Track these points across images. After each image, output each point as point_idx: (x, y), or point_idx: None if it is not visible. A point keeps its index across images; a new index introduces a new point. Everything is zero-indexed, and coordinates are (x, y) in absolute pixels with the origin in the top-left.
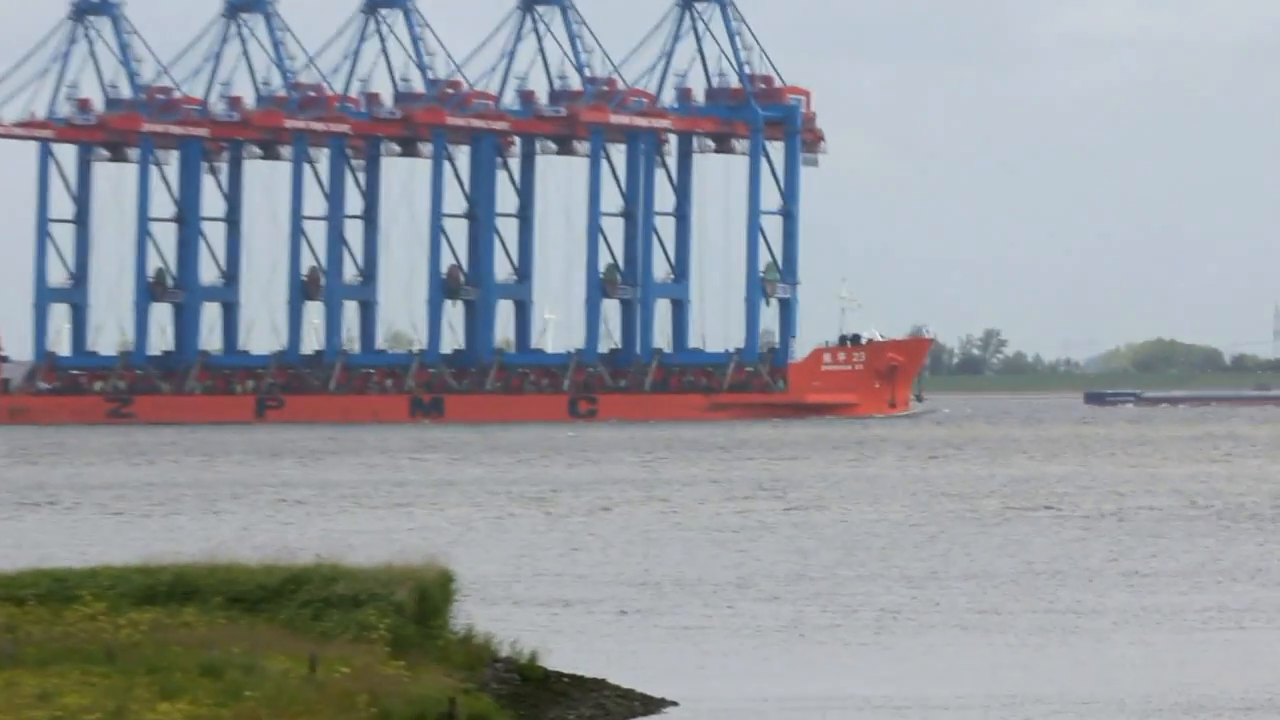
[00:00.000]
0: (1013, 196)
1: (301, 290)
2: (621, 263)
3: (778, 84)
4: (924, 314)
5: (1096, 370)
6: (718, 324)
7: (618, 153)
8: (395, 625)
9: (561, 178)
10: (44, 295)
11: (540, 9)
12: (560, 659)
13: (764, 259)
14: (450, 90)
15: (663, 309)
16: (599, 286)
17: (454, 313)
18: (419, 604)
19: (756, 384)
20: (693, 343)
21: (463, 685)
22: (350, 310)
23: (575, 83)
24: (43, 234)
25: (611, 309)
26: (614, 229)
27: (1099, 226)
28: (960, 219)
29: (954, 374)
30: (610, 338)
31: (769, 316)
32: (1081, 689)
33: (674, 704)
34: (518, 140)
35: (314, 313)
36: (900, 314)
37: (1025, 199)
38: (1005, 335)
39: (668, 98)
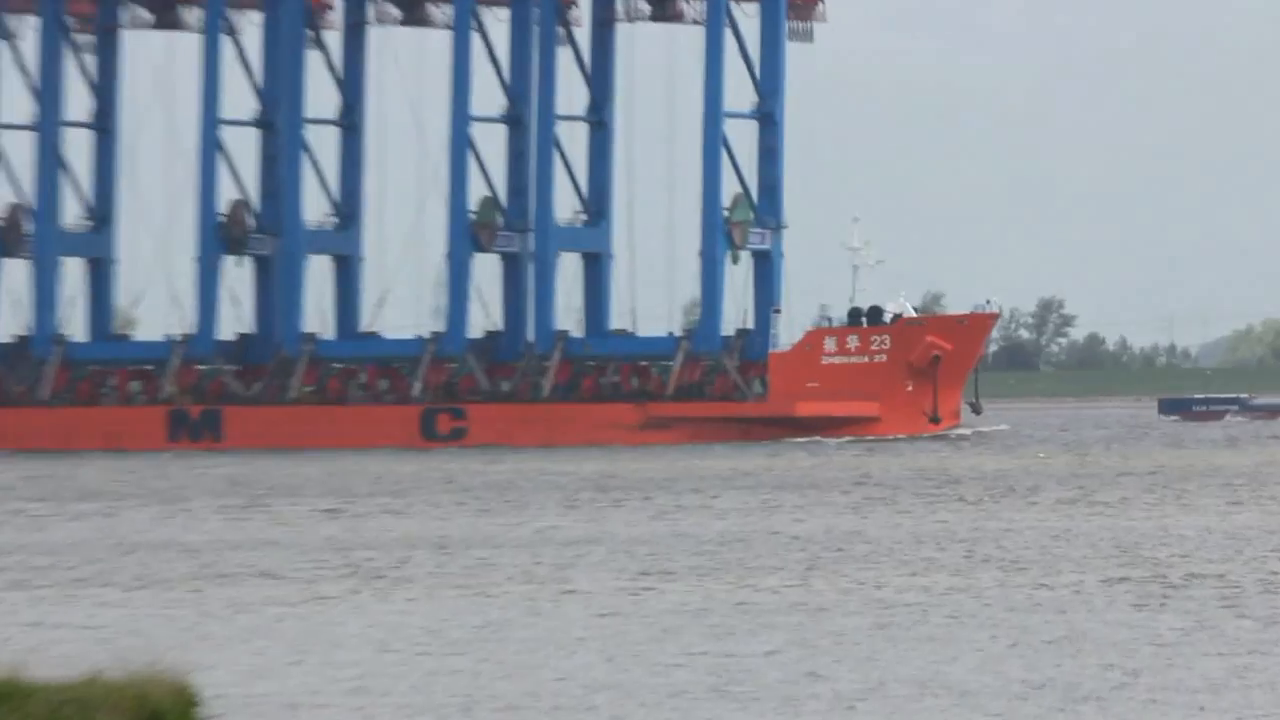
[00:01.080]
0: (1096, 101)
1: None
2: (503, 196)
3: None
4: (965, 276)
5: (1217, 361)
6: (657, 293)
7: (496, 23)
8: None
9: (409, 63)
10: None
11: None
12: None
13: (729, 190)
14: None
15: (569, 269)
16: (467, 234)
17: (237, 277)
18: None
19: (718, 387)
20: (617, 322)
21: None
22: (74, 271)
23: None
24: None
25: (487, 269)
26: (492, 142)
27: (1220, 148)
28: (1016, 131)
29: (993, 367)
30: (486, 315)
31: (737, 280)
32: None
33: None
34: (339, 4)
35: (14, 275)
36: (937, 273)
37: (1111, 105)
38: (1072, 309)
39: None
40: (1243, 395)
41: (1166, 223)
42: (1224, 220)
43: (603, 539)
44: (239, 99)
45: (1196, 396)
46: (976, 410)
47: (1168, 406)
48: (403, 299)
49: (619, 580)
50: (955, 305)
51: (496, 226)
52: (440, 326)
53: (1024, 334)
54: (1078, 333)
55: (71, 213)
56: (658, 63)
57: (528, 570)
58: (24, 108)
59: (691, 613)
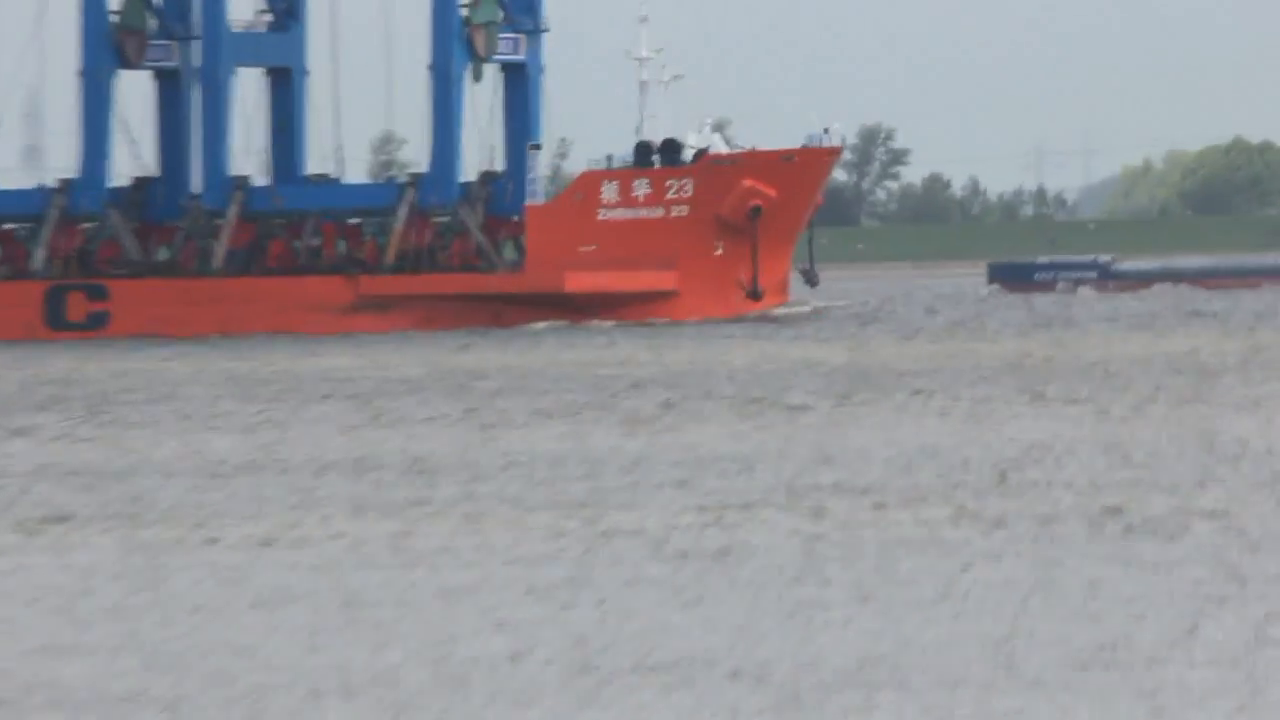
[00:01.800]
0: None
1: None
2: None
3: None
4: (767, 97)
5: (1104, 210)
6: (367, 117)
7: None
8: None
9: None
10: None
11: None
12: None
13: None
14: None
15: (249, 91)
16: (106, 42)
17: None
18: None
19: (456, 254)
20: (317, 166)
21: None
22: None
23: None
24: None
25: (135, 91)
26: None
27: None
28: None
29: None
30: (135, 156)
31: (480, 105)
32: None
33: None
34: None
35: None
36: (735, 95)
37: None
38: (905, 141)
39: None
40: (1102, 257)
41: (1032, 26)
42: (1107, 26)
43: None
44: None
45: (1039, 261)
46: (811, 281)
47: (1000, 273)
48: (12, 134)
49: None
50: (754, 138)
51: (147, 32)
52: (69, 172)
53: (840, 175)
54: (912, 173)
55: None
56: None
57: None
58: None
59: None
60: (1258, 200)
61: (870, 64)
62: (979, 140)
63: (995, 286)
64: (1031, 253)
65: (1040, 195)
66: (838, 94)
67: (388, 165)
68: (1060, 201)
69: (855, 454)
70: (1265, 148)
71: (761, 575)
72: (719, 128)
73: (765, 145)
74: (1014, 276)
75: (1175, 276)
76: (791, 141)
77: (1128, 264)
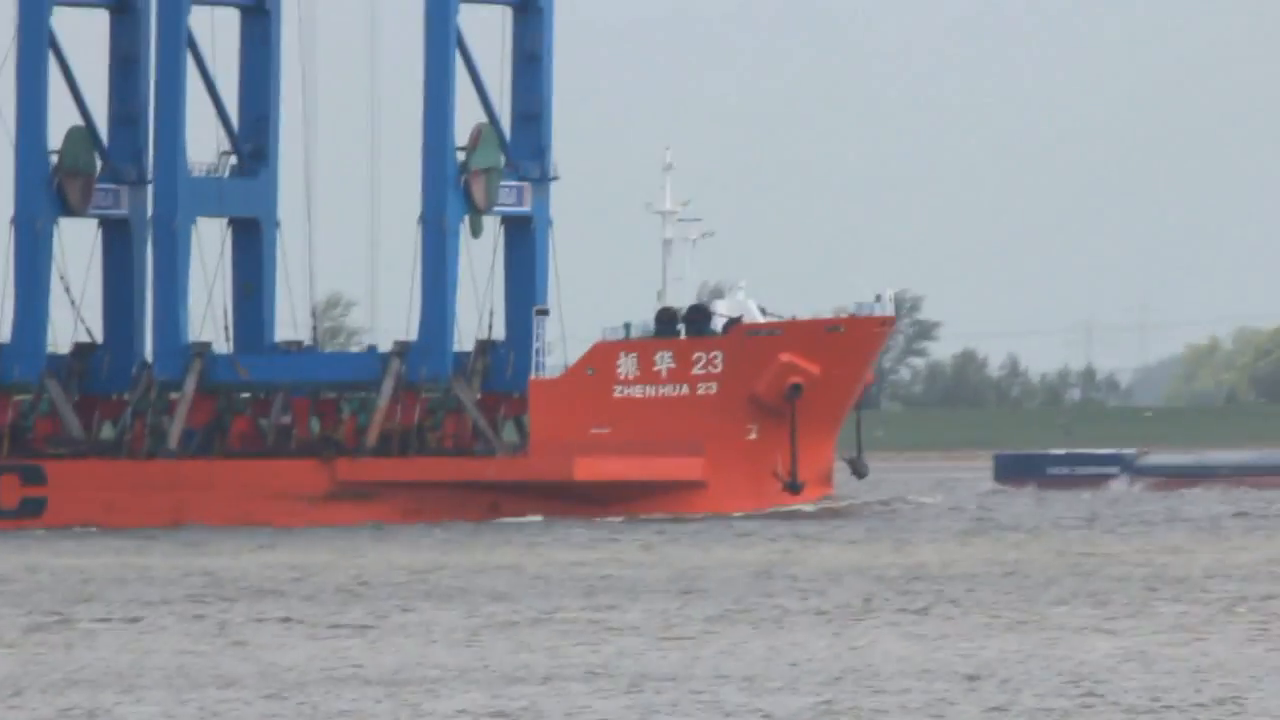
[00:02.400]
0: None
1: None
2: (103, 126)
3: None
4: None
5: (1162, 395)
6: (352, 283)
7: None
8: None
9: None
10: None
11: None
12: None
13: (467, 118)
14: None
15: (210, 243)
16: (45, 185)
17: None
18: None
19: (449, 434)
20: (287, 332)
21: None
22: None
23: None
24: None
25: (79, 241)
26: (88, 36)
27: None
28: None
29: None
30: (78, 317)
31: (479, 263)
32: None
33: None
34: None
35: None
36: (789, 259)
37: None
38: (933, 311)
39: None
40: (1128, 451)
41: (1083, 182)
42: (1169, 184)
43: None
44: None
45: (1054, 453)
46: (859, 472)
47: (1008, 468)
48: None
49: None
50: (773, 303)
51: (92, 175)
52: (1, 337)
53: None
54: (942, 349)
55: None
56: None
57: None
58: None
59: None
60: None
61: (895, 221)
62: (1019, 312)
63: (1012, 484)
64: (1077, 444)
65: (1089, 376)
66: (861, 256)
67: (333, 333)
68: (1112, 384)
69: None
70: None
71: None
72: (719, 293)
73: (799, 313)
74: (1022, 472)
75: (1210, 473)
76: (808, 309)
77: (1155, 457)
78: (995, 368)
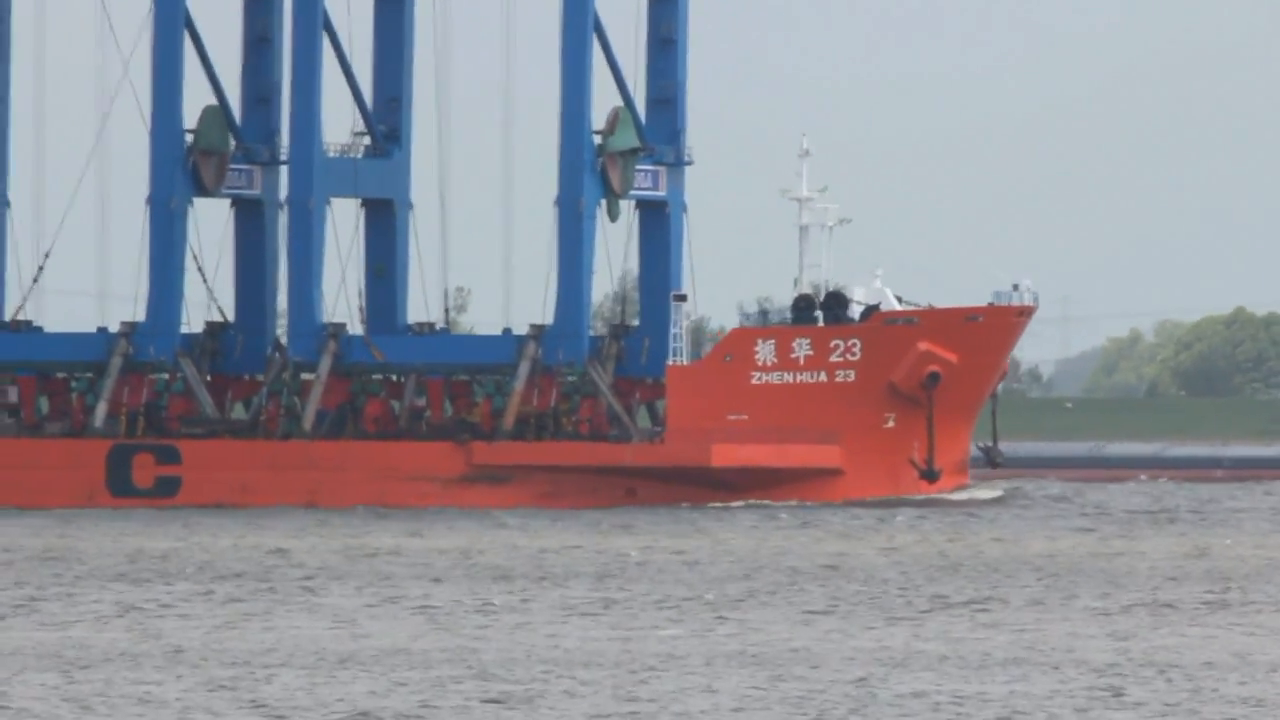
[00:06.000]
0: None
1: None
2: (236, 106)
3: None
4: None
5: (1083, 386)
6: (488, 267)
7: None
8: None
9: None
10: None
11: None
12: None
13: (603, 102)
14: None
15: (345, 224)
16: (179, 166)
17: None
18: None
19: (584, 419)
20: (421, 314)
21: None
22: None
23: None
24: None
25: (213, 220)
26: (221, 21)
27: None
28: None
29: None
30: (211, 297)
31: (614, 247)
32: None
33: None
34: None
35: None
36: (926, 246)
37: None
38: (1083, 301)
39: None
40: (1153, 450)
41: (1003, 171)
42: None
43: None
44: None
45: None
46: (994, 460)
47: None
48: (71, 266)
49: None
50: (913, 292)
51: (226, 154)
52: (135, 315)
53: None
54: (1094, 328)
55: None
56: None
57: None
58: None
59: None
60: (1262, 381)
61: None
62: (940, 298)
63: None
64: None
65: (1012, 367)
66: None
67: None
68: (1034, 376)
69: None
70: (1271, 320)
71: None
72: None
73: (939, 302)
74: None
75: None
76: (945, 299)
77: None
78: None
